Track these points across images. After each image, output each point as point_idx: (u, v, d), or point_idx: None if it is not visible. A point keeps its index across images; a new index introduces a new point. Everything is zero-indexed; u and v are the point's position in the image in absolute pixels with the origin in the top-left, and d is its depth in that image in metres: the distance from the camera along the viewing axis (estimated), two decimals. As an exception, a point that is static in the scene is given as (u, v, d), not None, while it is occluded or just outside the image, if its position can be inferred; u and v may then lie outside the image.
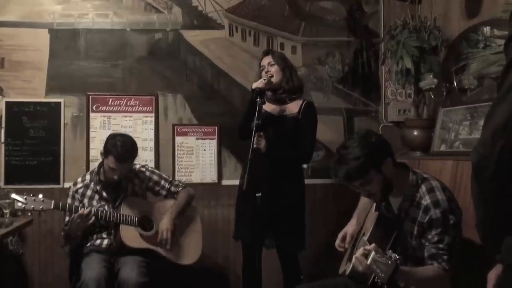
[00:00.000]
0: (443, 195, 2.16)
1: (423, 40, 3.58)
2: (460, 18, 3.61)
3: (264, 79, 3.04)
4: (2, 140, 3.69)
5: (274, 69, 3.13)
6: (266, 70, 3.14)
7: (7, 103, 3.69)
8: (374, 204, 2.46)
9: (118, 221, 2.97)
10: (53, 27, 3.79)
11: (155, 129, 3.87)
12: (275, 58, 3.17)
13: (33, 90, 3.74)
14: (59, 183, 3.72)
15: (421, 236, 2.18)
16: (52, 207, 2.85)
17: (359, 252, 2.07)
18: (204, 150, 3.93)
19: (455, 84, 3.49)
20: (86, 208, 2.88)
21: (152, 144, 3.86)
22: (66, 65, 3.80)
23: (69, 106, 3.78)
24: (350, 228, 2.63)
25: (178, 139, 3.91)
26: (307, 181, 3.56)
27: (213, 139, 3.93)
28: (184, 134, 3.91)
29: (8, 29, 3.74)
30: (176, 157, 3.89)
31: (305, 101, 3.18)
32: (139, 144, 3.75)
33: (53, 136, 3.73)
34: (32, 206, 2.79)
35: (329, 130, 4.00)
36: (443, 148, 3.37)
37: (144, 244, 3.01)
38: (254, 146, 2.90)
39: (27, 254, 3.61)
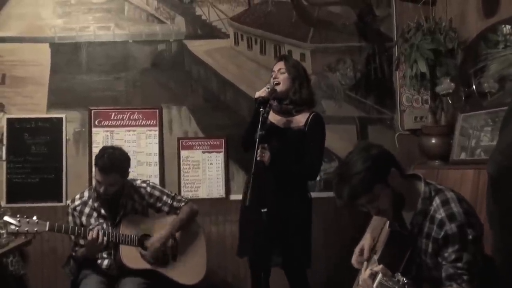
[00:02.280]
0: (459, 208, 1.93)
1: (438, 42, 3.38)
2: (477, 18, 3.40)
3: (268, 88, 2.87)
4: (4, 157, 3.63)
5: (282, 77, 2.93)
6: (274, 76, 2.97)
7: (9, 119, 3.64)
8: (388, 224, 2.26)
9: (117, 241, 2.82)
10: (54, 41, 3.74)
11: (159, 143, 3.76)
12: (287, 65, 2.96)
13: (34, 105, 3.69)
14: (61, 201, 3.62)
15: (437, 253, 1.97)
16: (47, 229, 2.73)
17: (366, 273, 1.89)
18: (211, 164, 3.79)
19: (474, 87, 3.27)
20: (93, 231, 2.75)
21: (156, 158, 3.74)
22: (67, 79, 3.74)
23: (71, 122, 3.71)
24: (366, 242, 2.40)
25: (184, 153, 3.78)
26: (320, 194, 3.39)
27: (220, 152, 3.79)
28: (190, 147, 3.78)
29: (9, 44, 3.69)
30: (181, 172, 3.76)
31: (313, 113, 2.95)
32: (143, 159, 3.70)
33: (55, 152, 3.66)
34: (26, 229, 2.67)
35: (342, 140, 3.81)
36: (463, 156, 3.16)
37: (145, 265, 2.86)
38: (258, 158, 2.73)
39: (29, 275, 3.46)
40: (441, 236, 1.92)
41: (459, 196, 2.03)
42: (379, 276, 1.77)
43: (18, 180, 3.61)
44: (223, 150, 3.79)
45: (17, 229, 2.66)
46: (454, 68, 3.40)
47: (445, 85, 3.36)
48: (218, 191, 3.78)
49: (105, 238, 2.77)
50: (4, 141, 3.62)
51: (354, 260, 2.37)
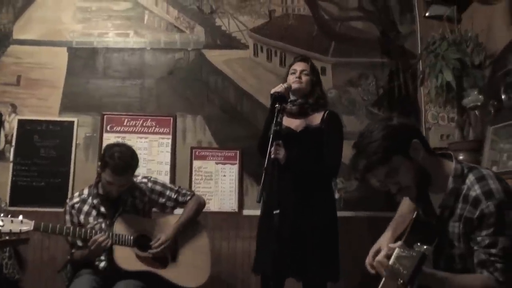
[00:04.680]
0: (498, 185, 1.68)
1: (464, 53, 3.23)
2: (505, 30, 3.26)
3: (284, 85, 2.75)
4: (11, 159, 3.53)
5: (305, 79, 2.84)
6: (297, 75, 2.84)
7: (20, 121, 3.58)
8: (415, 213, 2.01)
9: (111, 241, 2.61)
10: (72, 45, 3.74)
11: (171, 152, 3.63)
12: (311, 69, 2.89)
13: (47, 108, 3.63)
14: (66, 207, 3.45)
15: (469, 237, 1.71)
16: (32, 228, 2.53)
17: (381, 254, 1.66)
18: (224, 175, 3.62)
19: (503, 97, 3.08)
20: (101, 236, 2.57)
21: (167, 168, 3.60)
22: (82, 83, 3.70)
23: (82, 126, 3.63)
24: (384, 241, 2.10)
25: (196, 163, 3.63)
26: (340, 213, 3.15)
27: (234, 164, 3.63)
28: (203, 158, 3.64)
29: (28, 47, 3.70)
30: (193, 183, 3.60)
31: (328, 111, 2.84)
32: (154, 167, 3.56)
33: (64, 156, 3.56)
34: (10, 229, 2.46)
35: (363, 157, 3.61)
36: (494, 170, 2.92)
37: (141, 266, 2.64)
38: (272, 156, 2.55)
39: (26, 283, 3.28)
40: (476, 216, 1.67)
41: (496, 174, 1.77)
42: (396, 250, 1.55)
43: (23, 183, 3.50)
44: (237, 162, 3.63)
45: (0, 229, 2.49)
46: (482, 79, 3.23)
47: (473, 97, 3.17)
48: (230, 204, 3.58)
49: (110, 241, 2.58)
50: (13, 143, 3.54)
51: (368, 262, 2.04)
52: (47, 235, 3.31)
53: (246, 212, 3.58)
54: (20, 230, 2.50)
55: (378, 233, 3.22)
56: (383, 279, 1.79)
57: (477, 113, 3.24)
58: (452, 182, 1.75)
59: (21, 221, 2.51)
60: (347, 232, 3.48)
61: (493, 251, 1.64)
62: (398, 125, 1.78)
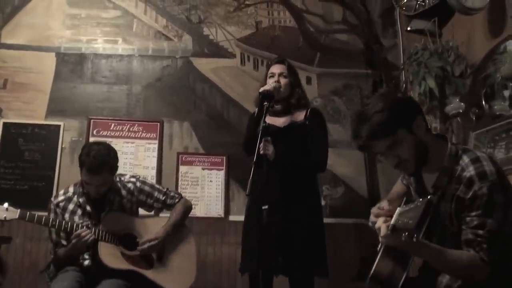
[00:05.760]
0: (492, 166, 1.69)
1: (445, 61, 3.33)
2: (484, 40, 3.39)
3: (273, 84, 2.78)
4: (-6, 161, 3.48)
5: (284, 81, 2.87)
6: (276, 79, 2.87)
7: (5, 124, 3.55)
8: (405, 199, 2.01)
9: (96, 237, 2.55)
10: (60, 51, 3.75)
11: (158, 157, 3.62)
12: (288, 70, 2.91)
13: (33, 112, 3.61)
14: (49, 211, 3.39)
15: (459, 216, 1.72)
16: (17, 216, 2.49)
17: (380, 220, 1.66)
18: (211, 181, 3.61)
19: (483, 103, 3.17)
20: (84, 230, 2.51)
21: (154, 172, 3.58)
22: (69, 88, 3.70)
23: (68, 130, 3.60)
24: (384, 202, 1.97)
25: (183, 169, 3.63)
26: (326, 220, 3.17)
27: (220, 170, 3.63)
28: (190, 163, 3.64)
29: (15, 51, 3.69)
30: (179, 188, 3.58)
31: (310, 108, 2.88)
32: (140, 172, 3.53)
33: (49, 160, 3.52)
34: None
35: (349, 165, 3.68)
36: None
37: (126, 265, 2.57)
38: (261, 152, 2.56)
39: (6, 286, 3.16)
40: (469, 197, 1.68)
41: (491, 157, 1.79)
42: (397, 209, 1.56)
43: (6, 186, 3.44)
44: (224, 167, 3.63)
45: None
46: (463, 87, 3.32)
47: (455, 105, 3.24)
48: (216, 210, 3.57)
49: (92, 236, 2.52)
50: (-3, 145, 3.50)
51: (372, 218, 1.90)
52: (29, 237, 3.29)
53: (232, 217, 3.57)
54: (5, 217, 2.46)
55: (363, 240, 3.25)
56: (377, 259, 1.80)
57: (459, 120, 3.32)
58: (447, 162, 1.77)
59: (6, 209, 2.47)
60: (333, 238, 3.50)
61: (480, 232, 1.65)
62: (404, 99, 1.83)
